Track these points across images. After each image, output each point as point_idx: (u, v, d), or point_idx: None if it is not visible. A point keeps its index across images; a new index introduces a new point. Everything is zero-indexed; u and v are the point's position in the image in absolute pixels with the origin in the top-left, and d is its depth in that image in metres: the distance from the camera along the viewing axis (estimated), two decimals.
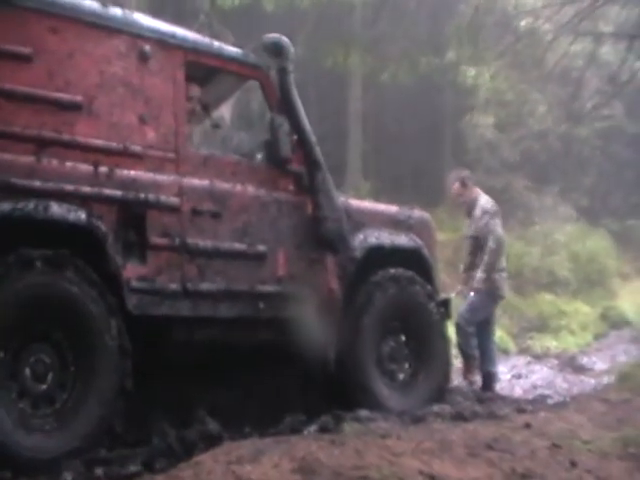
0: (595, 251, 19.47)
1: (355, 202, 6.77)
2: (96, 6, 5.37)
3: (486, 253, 7.99)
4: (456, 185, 8.40)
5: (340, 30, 19.04)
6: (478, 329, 8.17)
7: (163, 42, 5.60)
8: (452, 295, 7.91)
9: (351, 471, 3.82)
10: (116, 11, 5.47)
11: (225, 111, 9.25)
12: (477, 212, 8.19)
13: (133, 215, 5.22)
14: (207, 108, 6.74)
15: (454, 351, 7.83)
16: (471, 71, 18.45)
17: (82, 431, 4.74)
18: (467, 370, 8.11)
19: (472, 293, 8.06)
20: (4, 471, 4.27)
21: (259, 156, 6.17)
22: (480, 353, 8.16)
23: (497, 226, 8.14)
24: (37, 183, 4.83)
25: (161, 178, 5.41)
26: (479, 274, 7.96)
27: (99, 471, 4.34)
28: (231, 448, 4.35)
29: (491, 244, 7.97)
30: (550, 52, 13.87)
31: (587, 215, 21.48)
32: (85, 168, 5.07)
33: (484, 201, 8.24)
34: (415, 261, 6.71)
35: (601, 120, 21.31)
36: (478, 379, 8.08)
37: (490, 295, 8.07)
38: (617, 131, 22.83)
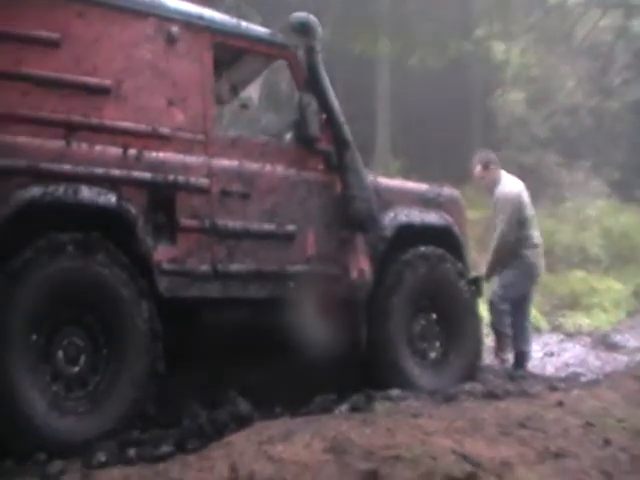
0: (627, 227, 19.23)
1: (384, 180, 6.74)
2: None
3: (492, 247, 8.00)
4: (478, 167, 8.34)
5: (367, 13, 18.90)
6: (514, 307, 8.11)
7: (190, 24, 5.60)
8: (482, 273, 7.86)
9: (382, 450, 3.81)
10: None
11: (253, 92, 9.25)
12: (494, 197, 8.17)
13: (162, 197, 5.24)
14: (235, 89, 6.74)
15: (486, 329, 7.79)
16: (500, 46, 18.32)
17: (115, 413, 4.78)
18: (499, 348, 8.06)
19: (504, 270, 8.01)
20: (38, 453, 4.31)
21: (288, 136, 6.17)
22: (514, 331, 8.10)
23: (507, 216, 7.93)
24: (67, 167, 4.86)
25: (190, 160, 5.41)
26: (486, 267, 7.94)
27: (132, 452, 4.37)
28: (262, 428, 4.36)
29: (495, 241, 7.96)
30: (579, 26, 13.73)
31: (619, 190, 21.24)
32: (114, 151, 5.09)
33: (501, 186, 8.14)
34: (445, 239, 6.67)
35: (631, 93, 21.07)
36: (510, 357, 8.03)
37: (523, 272, 7.98)
38: None
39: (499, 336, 8.00)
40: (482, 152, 8.87)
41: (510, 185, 8.15)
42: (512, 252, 7.92)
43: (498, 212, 8.02)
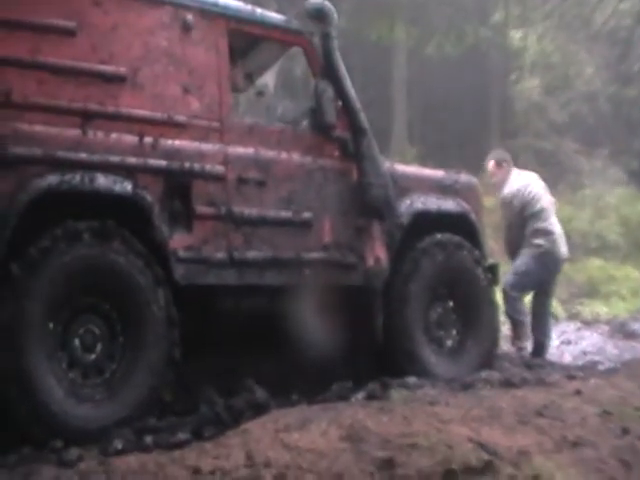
0: None
1: (401, 167, 6.71)
2: None
3: None
4: (491, 163, 8.49)
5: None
6: (534, 296, 8.13)
7: (205, 11, 5.58)
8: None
9: (399, 438, 3.81)
10: None
11: (269, 79, 9.23)
12: (500, 197, 8.33)
13: (178, 185, 5.24)
14: (251, 76, 6.72)
15: (502, 317, 7.77)
16: (518, 33, 18.21)
17: (131, 400, 4.79)
18: (516, 336, 8.05)
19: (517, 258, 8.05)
20: (55, 440, 4.33)
21: (304, 123, 6.15)
22: (534, 321, 8.10)
23: (504, 220, 8.29)
24: (83, 155, 4.87)
25: (206, 147, 5.41)
26: None
27: (148, 439, 4.38)
28: (278, 416, 4.37)
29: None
30: (598, 11, 13.62)
31: (637, 178, 21.14)
32: (130, 139, 5.09)
33: (506, 188, 8.21)
34: (462, 226, 6.65)
35: None
36: (528, 345, 8.02)
37: (536, 260, 7.95)
38: None
39: (514, 324, 8.00)
40: (498, 150, 9.09)
41: (513, 186, 8.16)
42: (520, 245, 8.02)
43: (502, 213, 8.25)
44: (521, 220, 8.01)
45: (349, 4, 17.35)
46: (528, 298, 8.56)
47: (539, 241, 7.92)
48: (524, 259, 7.95)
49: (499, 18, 17.95)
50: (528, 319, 8.03)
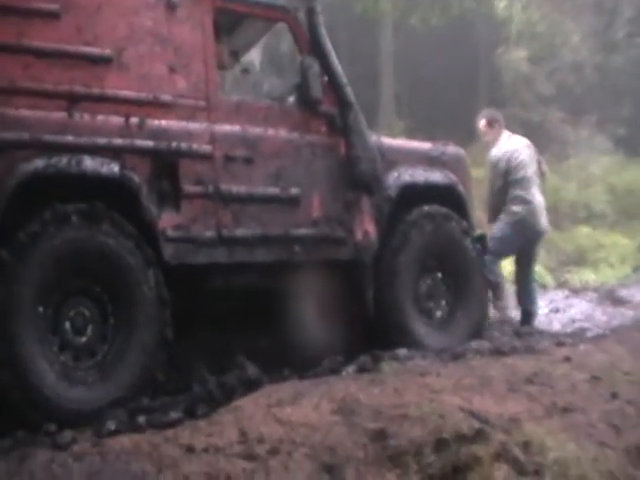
0: (633, 182, 19.19)
1: (388, 140, 6.72)
2: None
3: None
4: (482, 122, 8.49)
5: None
6: (517, 266, 8.17)
7: None
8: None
9: (391, 410, 3.85)
10: None
11: (255, 56, 9.21)
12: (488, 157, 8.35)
13: (166, 165, 5.24)
14: (237, 54, 6.71)
15: None
16: (502, 1, 18.17)
17: (124, 381, 4.82)
18: (496, 297, 8.06)
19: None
20: (49, 423, 4.34)
21: (290, 99, 6.15)
22: (519, 291, 8.16)
23: (488, 183, 8.28)
24: (69, 138, 4.87)
25: (193, 126, 5.41)
26: None
27: (142, 419, 4.39)
28: (271, 391, 4.40)
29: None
30: None
31: (624, 146, 21.16)
32: (116, 120, 5.10)
33: (494, 149, 8.23)
34: (450, 197, 6.67)
35: (636, 48, 20.90)
36: (509, 304, 8.08)
37: (511, 227, 7.95)
38: None
39: (492, 286, 7.96)
40: (490, 109, 9.02)
41: (501, 148, 8.17)
42: (500, 211, 8.07)
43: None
44: (504, 185, 8.02)
45: None
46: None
47: (516, 208, 7.93)
48: (500, 225, 8.01)
49: None
50: (503, 280, 8.07)
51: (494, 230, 8.04)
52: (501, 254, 8.10)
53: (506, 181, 8.00)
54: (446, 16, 18.09)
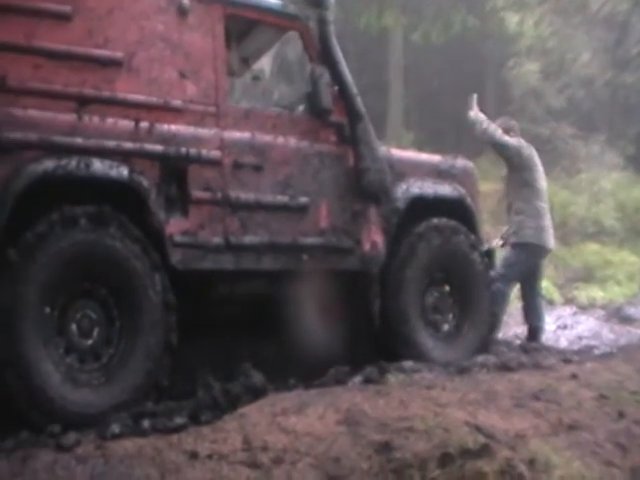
0: None
1: (397, 152, 6.71)
2: None
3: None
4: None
5: None
6: (523, 282, 8.09)
7: None
8: (496, 244, 7.84)
9: (396, 422, 3.82)
10: None
11: (265, 63, 9.22)
12: None
13: (175, 170, 5.23)
14: (247, 61, 6.71)
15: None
16: (515, 18, 18.17)
17: (129, 385, 4.80)
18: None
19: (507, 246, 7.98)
20: (53, 425, 4.33)
21: (300, 108, 6.15)
22: (526, 307, 8.09)
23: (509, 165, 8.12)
24: (79, 140, 4.86)
25: (202, 132, 5.40)
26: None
27: (146, 424, 4.38)
28: (276, 400, 4.37)
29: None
30: None
31: (634, 163, 21.12)
32: (126, 124, 5.08)
33: (519, 142, 8.14)
34: (458, 211, 6.65)
35: None
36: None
37: (523, 248, 7.88)
38: None
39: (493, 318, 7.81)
40: (505, 117, 8.95)
41: (523, 144, 8.08)
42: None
43: None
44: (519, 179, 7.96)
45: None
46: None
47: (529, 232, 7.81)
48: (514, 251, 7.86)
49: (495, 3, 17.91)
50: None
51: (509, 256, 7.90)
52: (515, 280, 8.00)
53: (522, 178, 7.93)
54: (446, 34, 18.05)
